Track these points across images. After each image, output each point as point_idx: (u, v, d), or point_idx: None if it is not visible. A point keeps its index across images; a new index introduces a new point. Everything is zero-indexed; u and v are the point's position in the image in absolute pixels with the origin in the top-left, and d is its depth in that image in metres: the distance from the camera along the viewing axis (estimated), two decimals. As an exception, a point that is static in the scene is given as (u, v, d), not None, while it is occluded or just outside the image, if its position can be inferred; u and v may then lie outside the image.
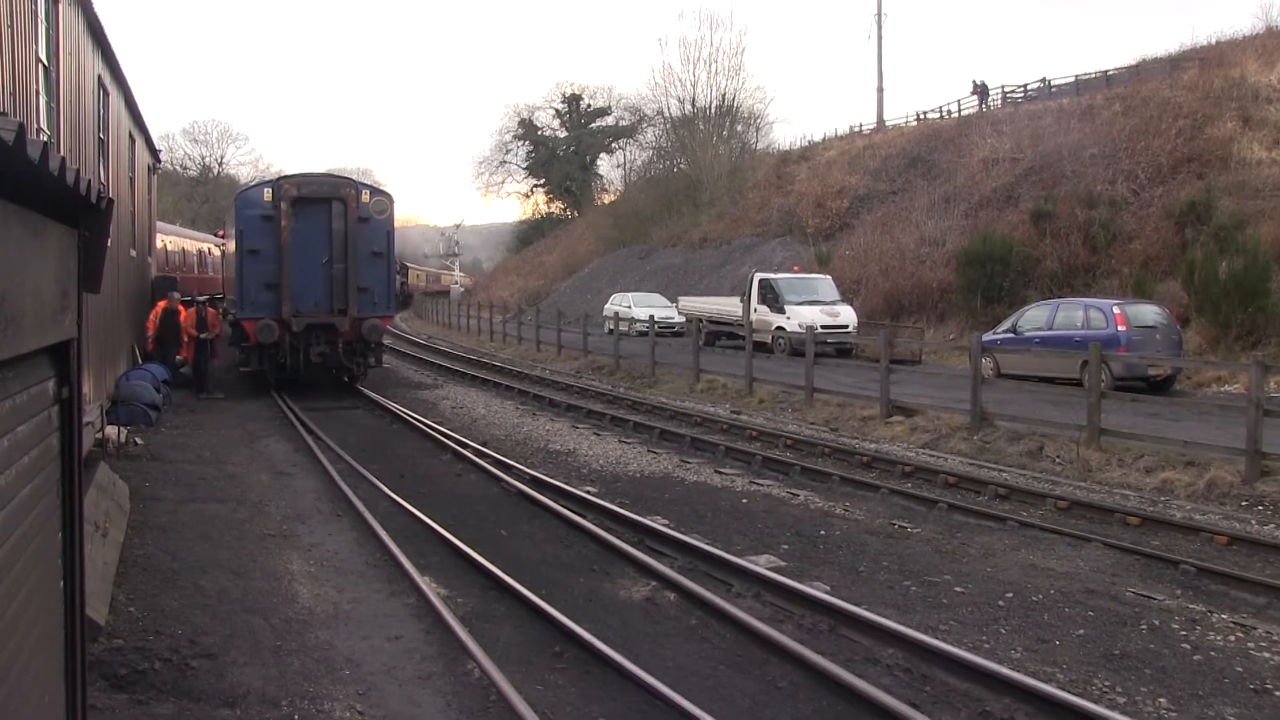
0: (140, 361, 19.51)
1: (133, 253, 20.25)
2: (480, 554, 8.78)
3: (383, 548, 9.12)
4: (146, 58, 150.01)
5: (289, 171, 25.29)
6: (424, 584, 7.92)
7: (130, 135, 20.03)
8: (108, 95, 16.07)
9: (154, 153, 26.84)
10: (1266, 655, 6.68)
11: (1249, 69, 31.94)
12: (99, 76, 14.98)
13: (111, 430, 13.43)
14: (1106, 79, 39.83)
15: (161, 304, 20.27)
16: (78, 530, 3.73)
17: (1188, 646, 6.82)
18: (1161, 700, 5.96)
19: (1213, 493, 11.53)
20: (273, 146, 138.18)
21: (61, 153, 10.17)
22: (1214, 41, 40.24)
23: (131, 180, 20.21)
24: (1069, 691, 5.84)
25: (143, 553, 8.62)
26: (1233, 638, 7.00)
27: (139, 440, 13.89)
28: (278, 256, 19.98)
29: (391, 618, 7.36)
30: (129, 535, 9.05)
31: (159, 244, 28.92)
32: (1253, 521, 10.50)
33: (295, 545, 9.33)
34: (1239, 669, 6.43)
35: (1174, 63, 37.51)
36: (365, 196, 20.88)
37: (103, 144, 15.54)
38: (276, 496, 11.43)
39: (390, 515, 10.52)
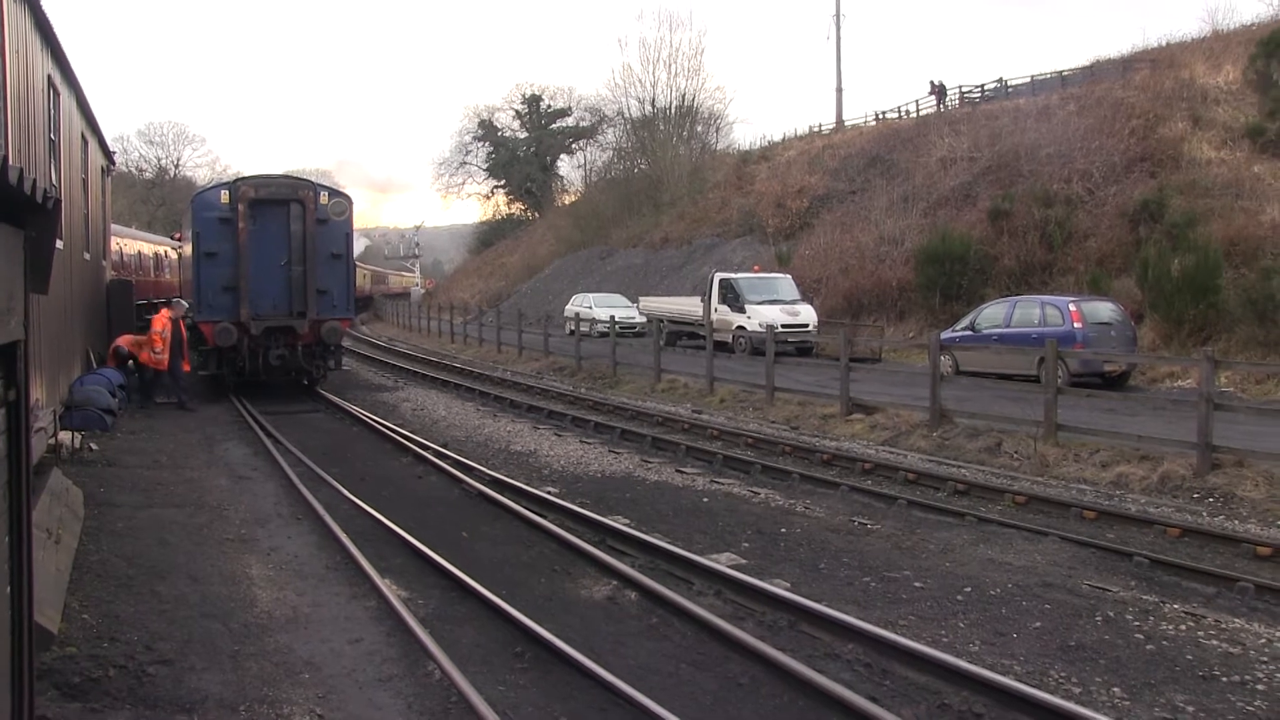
0: (96, 366, 19.20)
1: (86, 256, 19.93)
2: (441, 556, 8.74)
3: (343, 551, 9.05)
4: (100, 58, 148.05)
5: (246, 173, 24.95)
6: (385, 586, 7.87)
7: (83, 136, 19.72)
8: (58, 95, 15.80)
9: (108, 154, 26.43)
10: (1215, 643, 6.81)
11: (1197, 70, 32.59)
12: (49, 76, 14.73)
13: (65, 435, 13.21)
14: (1062, 79, 40.41)
15: (166, 313, 19.10)
16: (25, 536, 3.67)
17: (1141, 636, 6.93)
18: (1115, 690, 6.06)
19: (1166, 486, 11.74)
20: (230, 148, 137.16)
21: (8, 153, 10.00)
22: (1164, 43, 41.12)
23: (85, 182, 19.88)
24: (1026, 683, 5.91)
25: (98, 559, 8.50)
26: (1184, 627, 7.13)
27: (94, 445, 13.69)
28: (235, 259, 19.78)
29: (352, 621, 7.30)
30: (84, 541, 8.92)
31: (114, 247, 28.49)
32: (1204, 513, 10.72)
33: (254, 549, 9.24)
34: (1189, 657, 6.54)
35: (1126, 64, 38.16)
36: (324, 198, 20.72)
37: (54, 145, 15.28)
38: (235, 501, 11.30)
39: (351, 518, 10.44)
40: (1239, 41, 35.28)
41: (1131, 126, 30.23)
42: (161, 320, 18.81)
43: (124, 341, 19.41)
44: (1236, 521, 10.40)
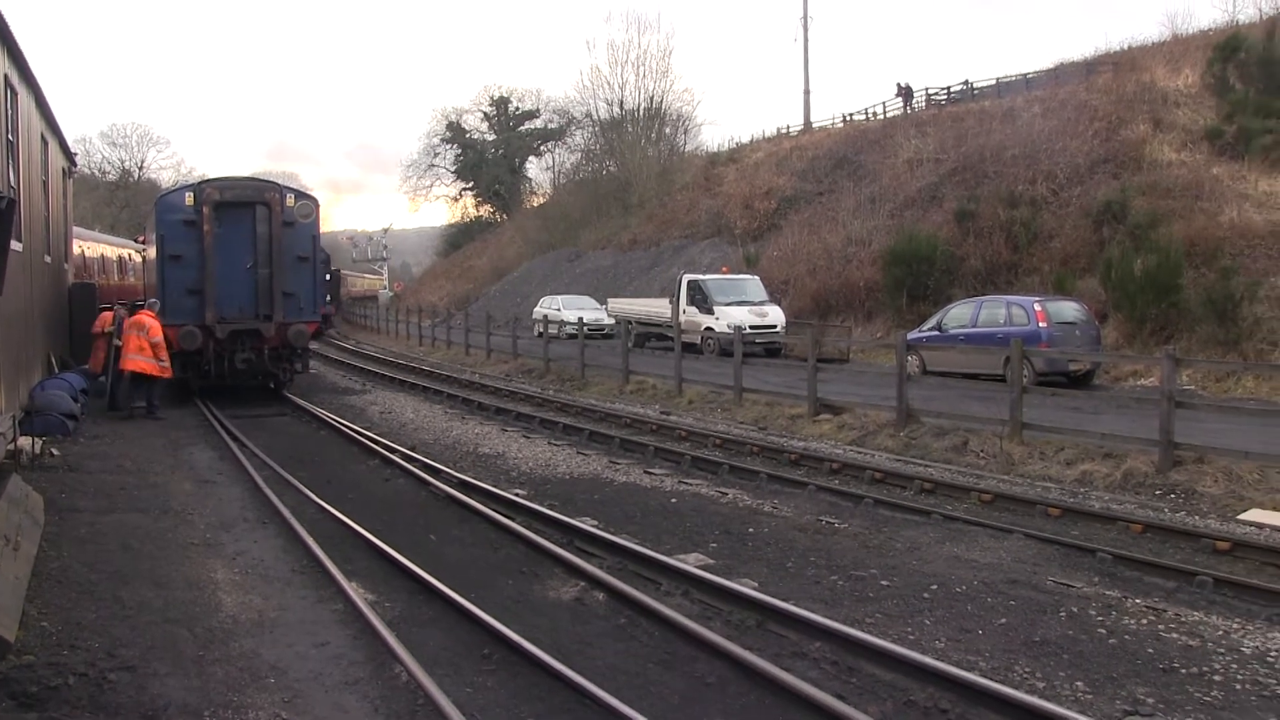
0: (57, 370, 18.92)
1: (48, 259, 19.68)
2: (408, 558, 8.69)
3: (309, 554, 8.97)
4: (62, 57, 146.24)
5: (211, 175, 24.76)
6: (351, 589, 7.82)
7: (43, 137, 19.47)
8: (16, 95, 15.60)
9: (69, 156, 26.11)
10: (1175, 636, 6.91)
11: (1158, 74, 33.09)
12: (5, 75, 14.54)
13: (25, 441, 13.02)
14: (1026, 82, 40.88)
15: (155, 319, 18.34)
16: (-18, 540, 3.62)
17: (1104, 631, 7.01)
18: (1079, 684, 6.12)
19: (1129, 483, 11.89)
20: (195, 150, 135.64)
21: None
22: (1126, 47, 41.74)
23: (45, 184, 19.63)
24: (991, 679, 5.95)
25: (58, 565, 8.38)
26: (1145, 621, 7.22)
27: (55, 451, 13.51)
28: (201, 262, 19.59)
29: (318, 624, 7.24)
30: (43, 548, 8.79)
31: (76, 250, 28.15)
32: (1165, 509, 10.86)
33: (219, 554, 9.15)
34: (1150, 650, 6.63)
35: (1089, 67, 38.65)
36: (290, 200, 20.55)
37: (11, 146, 15.08)
38: (201, 505, 11.18)
39: (317, 522, 10.36)
40: (1197, 46, 35.86)
41: (1095, 128, 30.61)
42: (158, 330, 18.09)
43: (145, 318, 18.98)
44: (1197, 517, 10.55)
